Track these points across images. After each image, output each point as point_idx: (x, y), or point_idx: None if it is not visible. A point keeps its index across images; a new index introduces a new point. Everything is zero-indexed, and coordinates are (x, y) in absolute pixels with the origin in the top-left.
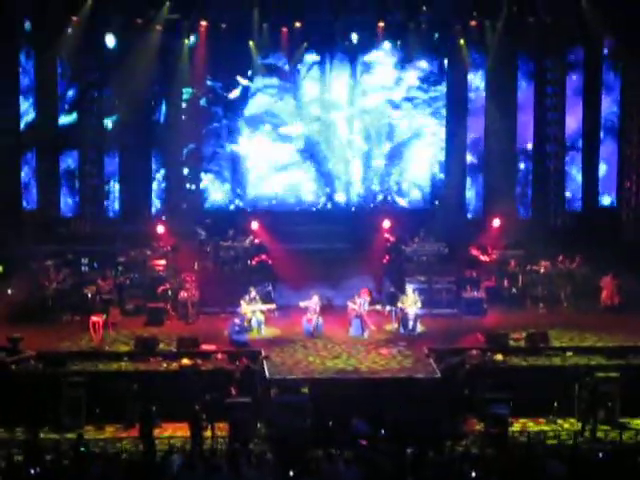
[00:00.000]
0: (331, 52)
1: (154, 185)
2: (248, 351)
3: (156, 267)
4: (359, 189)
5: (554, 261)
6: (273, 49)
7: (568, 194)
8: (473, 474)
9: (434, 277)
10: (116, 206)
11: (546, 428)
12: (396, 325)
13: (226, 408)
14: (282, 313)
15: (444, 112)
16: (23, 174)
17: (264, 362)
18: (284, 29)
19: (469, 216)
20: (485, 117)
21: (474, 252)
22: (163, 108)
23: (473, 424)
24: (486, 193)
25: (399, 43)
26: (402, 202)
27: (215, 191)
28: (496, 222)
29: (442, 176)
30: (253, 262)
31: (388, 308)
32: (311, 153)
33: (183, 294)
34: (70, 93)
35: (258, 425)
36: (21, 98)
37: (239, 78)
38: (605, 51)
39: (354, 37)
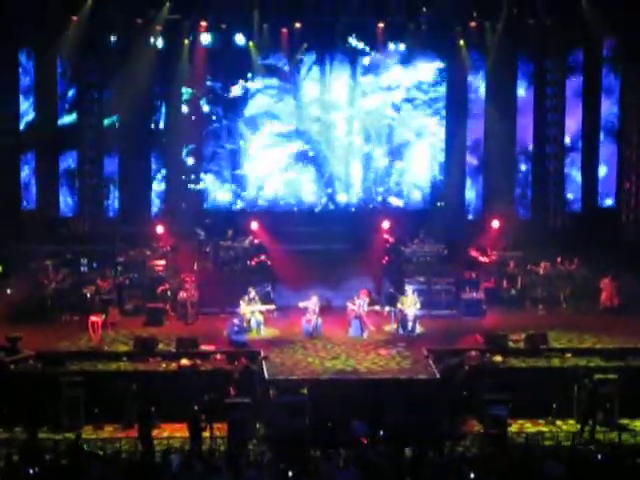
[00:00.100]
0: (331, 53)
1: (154, 185)
2: (247, 351)
3: (155, 267)
4: (359, 190)
5: (553, 262)
6: (273, 50)
7: (569, 195)
8: (472, 475)
9: (433, 278)
10: (115, 206)
11: (545, 429)
12: (395, 326)
13: (225, 408)
14: (281, 314)
15: (444, 113)
16: (23, 174)
17: (263, 362)
18: (284, 30)
19: (469, 217)
20: (485, 118)
21: (473, 253)
22: (163, 108)
23: (472, 425)
24: (486, 194)
25: (399, 44)
26: (402, 203)
27: (215, 191)
28: (495, 223)
29: (442, 177)
30: (252, 262)
31: (387, 309)
32: (311, 154)
33: (182, 294)
34: (70, 93)
35: (257, 425)
36: (21, 98)
37: (240, 81)
38: (605, 52)
39: (354, 38)
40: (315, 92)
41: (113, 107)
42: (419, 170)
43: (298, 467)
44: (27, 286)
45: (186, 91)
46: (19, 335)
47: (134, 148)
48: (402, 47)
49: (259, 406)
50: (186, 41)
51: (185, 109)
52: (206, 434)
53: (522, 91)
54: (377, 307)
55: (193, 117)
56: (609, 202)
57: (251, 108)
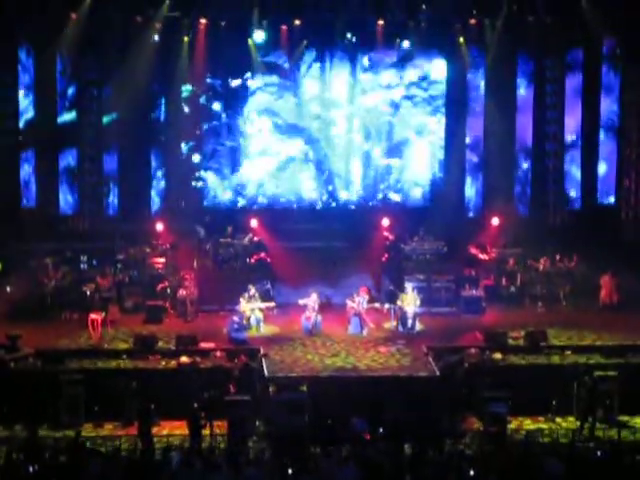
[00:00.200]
0: (331, 50)
1: (153, 183)
2: (247, 349)
3: (155, 265)
4: (358, 187)
5: (553, 260)
6: (273, 47)
7: (571, 193)
8: (471, 473)
9: (433, 275)
10: (115, 204)
11: (545, 427)
12: (395, 323)
13: (225, 406)
14: (281, 311)
15: (444, 111)
16: (22, 172)
17: (263, 360)
18: (284, 27)
19: (468, 215)
20: (485, 116)
21: (473, 251)
22: (162, 106)
23: (472, 423)
24: (485, 192)
25: (399, 41)
26: (399, 197)
27: (214, 189)
28: (495, 221)
29: (441, 175)
30: (252, 260)
31: (387, 306)
32: (311, 151)
33: (182, 292)
34: (70, 91)
35: (257, 423)
36: (21, 96)
37: (240, 79)
38: (605, 51)
39: (354, 35)
40: (315, 89)
41: (113, 105)
42: (419, 168)
43: (298, 464)
44: (27, 284)
45: (186, 88)
46: (19, 333)
47: (134, 146)
48: (402, 44)
49: (259, 403)
50: (185, 38)
51: (185, 106)
52: (206, 432)
53: (522, 89)
54: (377, 304)
55: (193, 114)
56: (609, 200)
57: (251, 105)
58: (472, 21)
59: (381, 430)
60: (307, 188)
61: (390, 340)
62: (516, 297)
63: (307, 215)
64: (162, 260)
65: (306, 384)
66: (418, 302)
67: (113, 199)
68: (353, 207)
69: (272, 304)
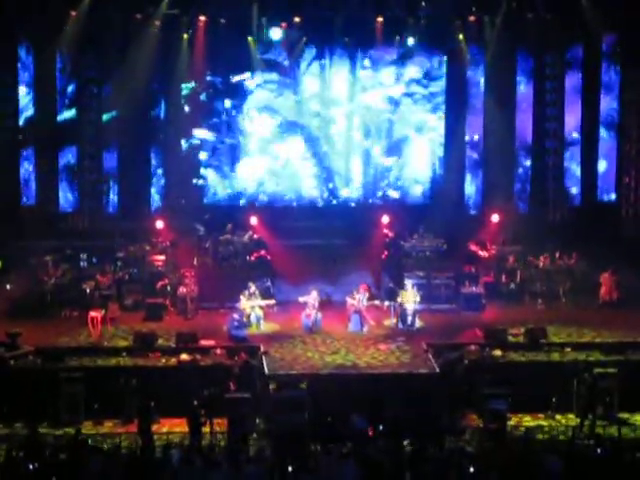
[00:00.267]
0: (330, 48)
1: (153, 180)
2: (247, 346)
3: (155, 262)
4: (358, 185)
5: (553, 257)
6: (273, 44)
7: (571, 190)
8: (471, 470)
9: (433, 272)
10: (115, 202)
11: (544, 424)
12: (395, 320)
13: (225, 403)
14: (281, 309)
15: (444, 108)
16: (22, 170)
17: (263, 357)
18: (283, 24)
19: (468, 212)
20: (484, 113)
21: (473, 248)
22: (162, 103)
23: (471, 419)
24: (485, 189)
25: (398, 39)
26: (398, 194)
27: (214, 186)
28: (495, 218)
29: (441, 172)
30: (252, 258)
31: (387, 303)
32: (311, 149)
33: (182, 289)
34: (69, 89)
35: (257, 420)
36: (20, 94)
37: (239, 76)
38: (605, 48)
39: (353, 33)
40: (315, 87)
41: (112, 102)
42: (419, 165)
43: (298, 462)
44: (27, 282)
45: (185, 86)
46: (19, 331)
47: (133, 143)
48: (401, 42)
49: (259, 401)
50: (185, 36)
51: (184, 104)
52: (206, 429)
53: (522, 86)
54: (377, 302)
55: (193, 112)
56: (609, 197)
57: (251, 103)
58: (471, 18)
59: (381, 427)
60: (307, 186)
61: (390, 337)
62: (516, 294)
63: (307, 213)
64: (162, 258)
65: (306, 382)
66: (418, 299)
67: (113, 197)
68: (353, 205)
69: (272, 302)
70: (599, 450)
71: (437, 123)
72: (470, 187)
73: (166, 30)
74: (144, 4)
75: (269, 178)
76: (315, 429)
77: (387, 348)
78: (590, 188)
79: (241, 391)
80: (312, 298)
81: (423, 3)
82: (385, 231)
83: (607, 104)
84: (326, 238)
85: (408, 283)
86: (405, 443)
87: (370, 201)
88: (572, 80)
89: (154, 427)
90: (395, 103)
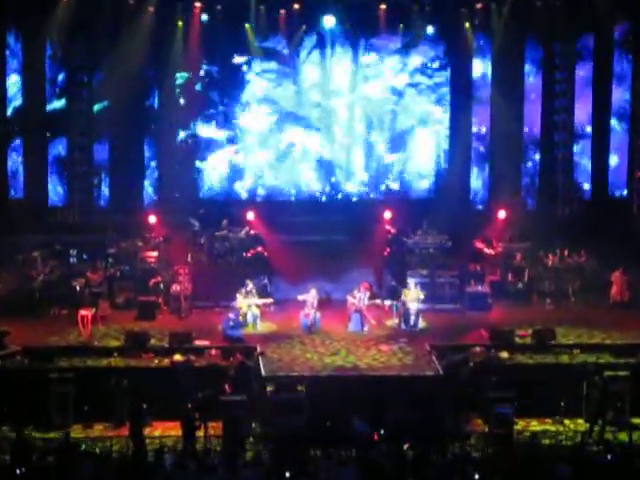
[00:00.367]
0: (332, 35)
1: (146, 173)
2: (243, 347)
3: (148, 259)
4: (360, 178)
5: (562, 255)
6: (271, 32)
7: (581, 185)
8: (476, 476)
9: (437, 271)
10: (106, 195)
11: (552, 429)
12: (397, 320)
13: (220, 406)
14: (279, 307)
15: (449, 99)
16: (10, 161)
17: (260, 358)
18: (282, 11)
19: (474, 207)
20: (491, 104)
21: (478, 245)
22: (156, 93)
23: (476, 424)
24: (491, 183)
25: (402, 27)
26: (404, 192)
27: (210, 180)
28: (502, 213)
29: (446, 165)
30: (249, 254)
31: (389, 303)
32: (311, 141)
33: (175, 287)
34: (59, 77)
35: (253, 424)
36: (8, 82)
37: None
38: (617, 36)
39: (355, 20)
40: (315, 77)
41: (104, 92)
42: (423, 158)
43: (296, 467)
44: (14, 278)
45: (180, 75)
46: (6, 329)
47: (126, 134)
48: (405, 30)
49: (255, 404)
50: (180, 23)
51: (179, 94)
52: (200, 433)
53: (530, 76)
54: (378, 301)
55: (187, 102)
56: (620, 192)
57: (248, 93)
58: (478, 6)
59: (382, 431)
60: (307, 179)
61: (392, 338)
62: (523, 293)
63: (306, 207)
64: (155, 254)
65: (305, 384)
66: (421, 298)
67: (104, 190)
68: (354, 199)
69: (269, 300)
70: (609, 456)
71: (442, 115)
72: (476, 181)
73: (160, 16)
74: None
75: (267, 171)
76: (314, 433)
77: (389, 349)
78: (601, 183)
79: (237, 393)
80: (311, 297)
81: None
82: (387, 227)
83: (619, 95)
84: (326, 234)
85: (411, 281)
86: (408, 448)
87: (372, 195)
88: (583, 70)
89: (146, 430)
90: (398, 94)
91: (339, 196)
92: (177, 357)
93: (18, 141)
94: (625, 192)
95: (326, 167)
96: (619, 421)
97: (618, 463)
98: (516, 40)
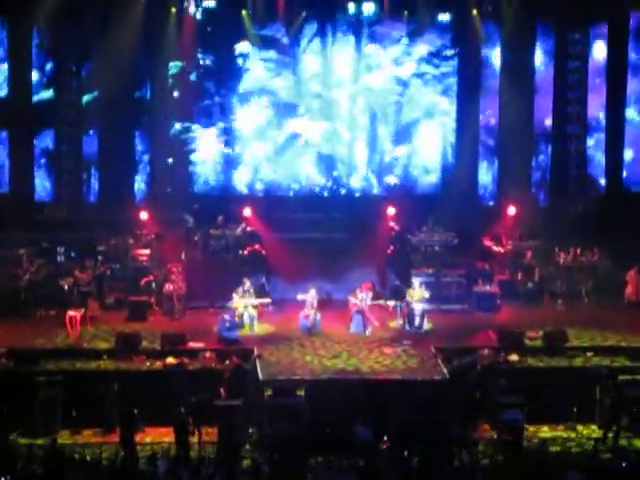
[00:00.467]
0: (333, 23)
1: (138, 168)
2: (239, 349)
3: (139, 257)
4: (363, 173)
5: (574, 253)
6: (269, 19)
7: (594, 180)
8: None
9: (443, 269)
10: (96, 190)
11: (564, 435)
12: (401, 322)
13: (215, 411)
14: (277, 308)
15: (456, 89)
16: None
17: (257, 361)
18: None
19: (482, 203)
20: (500, 95)
21: (487, 242)
22: (148, 84)
23: (485, 430)
24: (501, 178)
25: (406, 14)
26: (409, 187)
27: (205, 174)
28: (511, 210)
29: (453, 159)
30: (245, 252)
31: (392, 303)
32: (311, 134)
33: (168, 287)
34: (47, 67)
35: (250, 430)
36: None
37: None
38: (632, 24)
39: (358, 6)
40: (316, 66)
41: (93, 82)
42: (429, 152)
43: (295, 475)
44: None
45: (174, 65)
46: None
47: (116, 127)
48: (411, 17)
49: (252, 409)
50: (173, 9)
51: (173, 84)
52: (194, 439)
53: (541, 66)
54: (381, 301)
55: (182, 93)
56: (636, 187)
57: (246, 83)
58: None
59: (386, 438)
60: (307, 174)
61: (396, 340)
62: (534, 293)
63: (305, 203)
64: (147, 252)
65: (304, 388)
66: (426, 298)
67: (94, 185)
68: (357, 195)
69: (267, 300)
70: (624, 464)
71: (449, 106)
72: (484, 176)
73: (152, 3)
74: None
75: (265, 165)
76: (314, 439)
77: (393, 352)
78: (615, 177)
79: (232, 398)
80: (311, 297)
81: None
82: (391, 224)
83: (635, 86)
84: (326, 231)
85: (416, 281)
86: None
87: (375, 191)
88: (596, 59)
89: (137, 437)
90: (403, 84)
91: (342, 191)
92: (170, 360)
93: (3, 133)
94: None
95: (327, 161)
96: (634, 427)
97: (633, 471)
98: (526, 28)
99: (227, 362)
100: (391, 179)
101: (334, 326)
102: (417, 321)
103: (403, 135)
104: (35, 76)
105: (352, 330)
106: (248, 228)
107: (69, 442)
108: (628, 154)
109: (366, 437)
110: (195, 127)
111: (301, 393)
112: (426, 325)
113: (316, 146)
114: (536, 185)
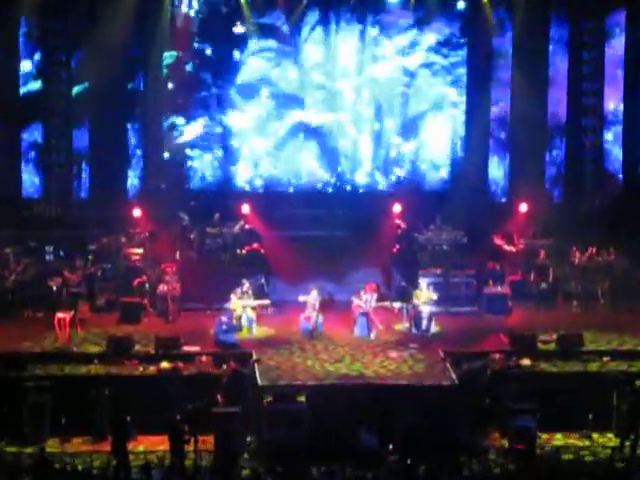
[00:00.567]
0: (336, 10)
1: (131, 162)
2: (237, 353)
3: (132, 256)
4: (367, 168)
5: (590, 252)
6: (269, 6)
7: (612, 175)
8: None
9: (451, 270)
10: (87, 186)
11: (579, 444)
12: (407, 324)
13: (211, 418)
14: (276, 310)
15: (466, 81)
16: None
17: (255, 366)
18: None
19: (493, 200)
20: (512, 87)
21: (498, 241)
22: (141, 74)
23: (495, 438)
24: (512, 173)
25: (414, 1)
26: (416, 183)
27: (201, 169)
28: (524, 207)
29: (463, 154)
30: (243, 251)
31: (398, 305)
32: (313, 127)
33: (162, 288)
34: (35, 57)
35: (248, 438)
36: None
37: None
38: None
39: None
40: (318, 56)
41: (84, 72)
42: (437, 146)
43: None
44: None
45: (169, 54)
46: None
47: (108, 119)
48: (418, 4)
49: (250, 415)
50: None
51: (168, 75)
52: (190, 448)
53: (555, 56)
54: (386, 303)
55: (177, 85)
56: None
57: (244, 74)
58: None
59: (391, 446)
60: (309, 169)
61: (402, 344)
62: (547, 295)
63: (307, 199)
64: (140, 251)
65: (305, 393)
66: (434, 300)
67: (84, 180)
68: (361, 191)
69: (266, 302)
70: None
71: (458, 98)
72: (495, 171)
73: None
74: None
75: (265, 160)
76: (315, 447)
77: (398, 356)
78: (633, 172)
79: (230, 404)
80: (312, 298)
81: None
82: (397, 221)
83: None
84: (329, 229)
85: (423, 282)
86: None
87: (380, 187)
88: (613, 50)
89: (130, 445)
90: (410, 75)
91: (348, 187)
92: (164, 364)
93: None
94: None
95: (330, 156)
96: None
97: None
98: (540, 16)
99: (224, 367)
100: (397, 174)
101: (337, 329)
102: (424, 324)
103: (410, 128)
104: (22, 67)
105: (356, 333)
106: (246, 226)
107: (58, 450)
108: None
109: (371, 445)
110: (191, 120)
111: (302, 399)
112: (434, 328)
113: (318, 140)
114: (550, 181)
